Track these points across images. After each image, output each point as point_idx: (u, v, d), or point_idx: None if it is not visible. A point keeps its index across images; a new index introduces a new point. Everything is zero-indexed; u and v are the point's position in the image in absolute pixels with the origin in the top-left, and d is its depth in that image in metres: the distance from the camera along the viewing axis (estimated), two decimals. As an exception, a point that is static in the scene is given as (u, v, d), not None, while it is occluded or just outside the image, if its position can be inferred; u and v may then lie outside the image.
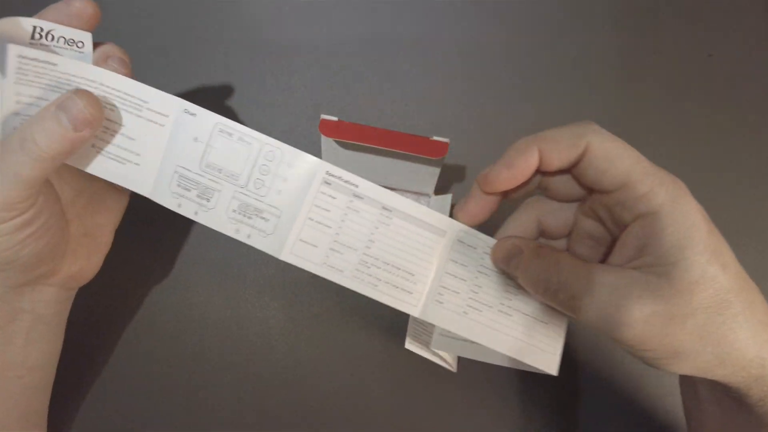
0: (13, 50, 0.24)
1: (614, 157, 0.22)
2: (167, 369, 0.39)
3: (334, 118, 0.32)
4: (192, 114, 0.25)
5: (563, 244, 0.27)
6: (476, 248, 0.26)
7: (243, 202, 0.26)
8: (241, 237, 0.26)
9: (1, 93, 0.25)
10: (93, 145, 0.26)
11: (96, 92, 0.25)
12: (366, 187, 0.26)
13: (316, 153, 0.38)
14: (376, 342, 0.39)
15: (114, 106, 0.26)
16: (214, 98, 0.40)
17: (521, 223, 0.27)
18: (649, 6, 0.43)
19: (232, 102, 0.41)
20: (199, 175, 0.26)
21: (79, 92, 0.24)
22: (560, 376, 0.27)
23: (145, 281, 0.40)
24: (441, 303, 0.26)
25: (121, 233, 0.40)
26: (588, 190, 0.25)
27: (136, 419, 0.38)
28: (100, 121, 0.25)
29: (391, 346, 0.39)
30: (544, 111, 0.41)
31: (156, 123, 0.26)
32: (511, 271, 0.25)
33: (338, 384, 0.39)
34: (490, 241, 0.27)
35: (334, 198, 0.26)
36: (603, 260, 0.25)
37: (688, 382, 0.28)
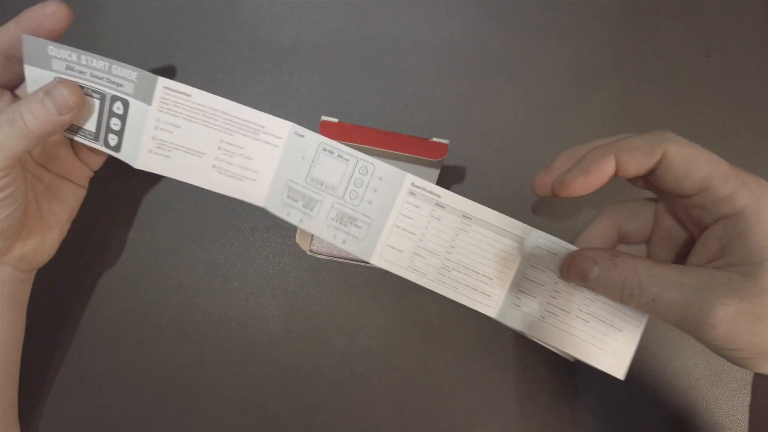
0: (161, 82, 0.28)
1: (693, 162, 0.23)
2: (168, 369, 0.39)
3: (335, 120, 0.32)
4: (301, 135, 0.29)
5: (643, 249, 0.28)
6: (556, 254, 0.28)
7: (340, 212, 0.29)
8: (337, 242, 0.29)
9: (147, 118, 0.28)
10: (213, 166, 0.29)
11: (219, 120, 0.29)
12: (448, 197, 0.28)
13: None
14: (376, 342, 0.39)
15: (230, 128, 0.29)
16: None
17: (601, 231, 0.28)
18: (648, 6, 0.43)
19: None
20: (305, 188, 0.29)
21: (63, 82, 0.27)
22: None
23: (145, 282, 0.40)
24: (518, 306, 0.28)
25: (122, 235, 0.40)
26: (667, 194, 0.25)
27: (136, 419, 0.38)
28: (81, 108, 0.28)
29: (391, 345, 0.39)
30: (544, 111, 0.41)
31: (272, 144, 0.29)
32: (589, 285, 0.25)
33: (338, 384, 0.39)
34: (570, 247, 0.28)
35: (418, 207, 0.28)
36: (682, 261, 0.26)
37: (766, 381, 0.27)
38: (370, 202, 0.29)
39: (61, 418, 0.38)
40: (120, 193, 0.40)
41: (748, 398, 0.38)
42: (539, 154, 0.41)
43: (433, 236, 0.28)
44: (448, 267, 0.29)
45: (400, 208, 0.28)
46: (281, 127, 0.29)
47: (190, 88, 0.28)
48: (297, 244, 0.36)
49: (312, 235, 0.36)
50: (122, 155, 0.29)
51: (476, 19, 0.42)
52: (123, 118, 0.29)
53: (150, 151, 0.29)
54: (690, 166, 0.23)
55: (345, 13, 0.41)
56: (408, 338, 0.39)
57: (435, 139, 0.32)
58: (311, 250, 0.37)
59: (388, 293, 0.40)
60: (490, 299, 0.29)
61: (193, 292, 0.40)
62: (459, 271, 0.29)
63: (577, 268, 0.26)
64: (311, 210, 0.29)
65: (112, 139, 0.30)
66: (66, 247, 0.40)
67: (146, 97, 0.28)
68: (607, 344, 0.28)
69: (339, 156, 0.28)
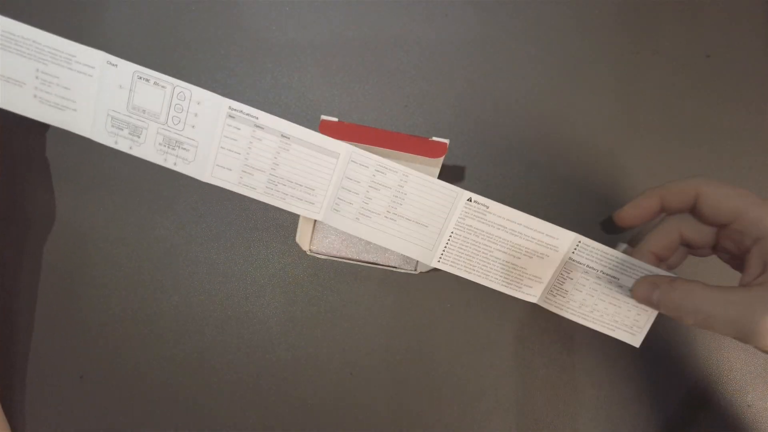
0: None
1: (723, 197, 0.28)
2: (168, 369, 0.39)
3: (334, 119, 0.32)
4: (114, 65, 0.30)
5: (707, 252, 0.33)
6: (368, 167, 0.31)
7: (166, 137, 0.31)
8: (168, 165, 0.32)
9: None
10: (35, 96, 0.31)
11: (31, 50, 0.30)
12: (265, 118, 0.30)
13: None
14: (376, 342, 0.39)
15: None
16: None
17: (663, 235, 0.32)
18: (648, 6, 0.43)
19: (232, 102, 0.41)
20: (128, 116, 0.31)
21: None
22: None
23: (145, 282, 0.40)
24: (338, 211, 0.32)
25: (121, 234, 0.40)
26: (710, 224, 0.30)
27: (136, 419, 0.38)
28: None
29: (391, 345, 0.39)
30: (543, 111, 0.41)
31: (85, 74, 0.30)
32: (653, 305, 0.30)
33: (338, 384, 0.39)
34: (396, 167, 0.32)
35: (239, 129, 0.31)
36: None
37: None
38: (193, 126, 0.31)
39: (61, 418, 0.38)
40: (118, 192, 0.40)
41: (747, 399, 0.38)
42: (539, 153, 0.41)
43: (256, 155, 0.31)
44: (274, 182, 0.32)
45: (221, 130, 0.31)
46: (93, 57, 0.30)
47: (1, 17, 0.30)
48: (297, 244, 0.36)
49: (312, 235, 0.36)
50: None
51: (476, 20, 0.42)
52: None
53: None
54: (721, 201, 0.28)
55: (345, 13, 0.42)
56: (408, 338, 0.39)
57: (435, 138, 0.32)
58: (311, 250, 0.37)
59: (388, 293, 0.40)
60: (314, 206, 0.33)
61: (193, 292, 0.40)
62: (284, 185, 0.32)
63: (641, 290, 0.31)
64: (138, 137, 0.32)
65: None
66: (66, 247, 0.40)
67: None
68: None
69: (155, 83, 0.30)
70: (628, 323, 0.33)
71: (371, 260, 0.38)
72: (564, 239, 0.32)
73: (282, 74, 0.41)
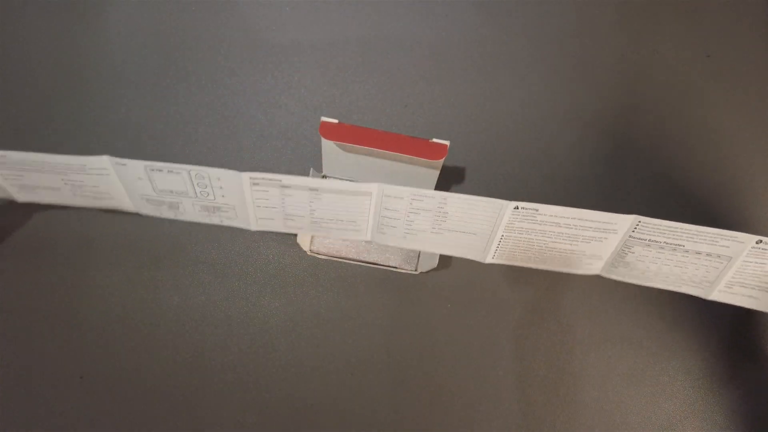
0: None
1: None
2: (167, 369, 0.39)
3: (335, 121, 0.32)
4: (123, 164, 0.31)
5: None
6: (403, 198, 0.32)
7: (203, 206, 0.33)
8: (215, 222, 0.34)
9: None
10: (74, 194, 0.34)
11: (45, 168, 0.33)
12: (288, 179, 0.31)
13: (317, 153, 0.38)
14: (376, 342, 0.39)
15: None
16: (214, 98, 0.40)
17: None
18: (648, 6, 0.43)
19: (233, 102, 0.41)
20: (160, 197, 0.33)
21: None
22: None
23: (145, 282, 0.40)
24: (384, 233, 0.33)
25: (121, 235, 0.40)
26: None
27: (136, 419, 0.38)
28: None
29: (391, 345, 0.39)
30: (544, 112, 0.41)
31: (103, 175, 0.32)
32: None
33: (338, 384, 0.39)
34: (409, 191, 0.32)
35: (267, 191, 0.31)
36: None
37: None
38: (223, 196, 0.32)
39: (61, 418, 0.38)
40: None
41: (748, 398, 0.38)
42: (539, 154, 0.41)
43: (292, 206, 0.32)
44: (317, 221, 0.33)
45: (251, 195, 0.31)
46: (101, 162, 0.32)
47: (2, 151, 0.32)
48: (297, 244, 0.36)
49: (312, 236, 0.36)
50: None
51: (476, 20, 0.42)
52: None
53: (19, 191, 0.35)
54: None
55: (345, 14, 0.41)
56: (408, 338, 0.39)
57: (435, 140, 0.32)
58: (311, 250, 0.37)
59: (388, 293, 0.40)
60: (359, 233, 0.33)
61: (193, 292, 0.40)
62: (327, 222, 0.33)
63: None
64: (177, 209, 0.33)
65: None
66: (66, 247, 0.40)
67: None
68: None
69: (170, 171, 0.31)
70: (696, 280, 0.34)
71: (371, 260, 0.38)
72: (622, 223, 0.32)
73: (282, 74, 0.41)
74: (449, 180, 0.40)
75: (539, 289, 0.39)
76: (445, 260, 0.39)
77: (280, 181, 0.31)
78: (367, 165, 0.35)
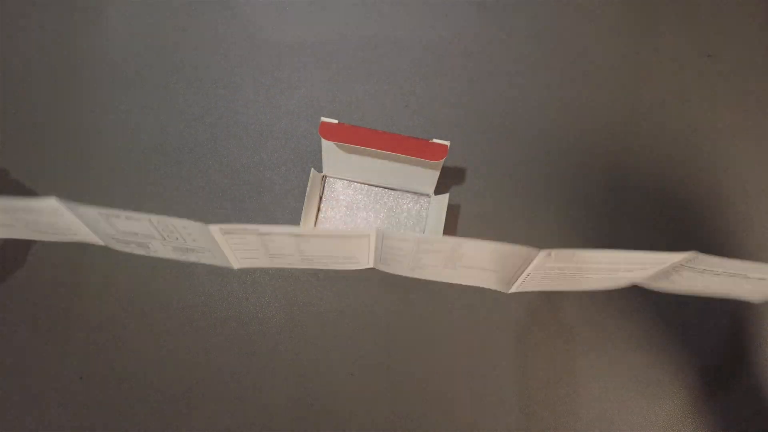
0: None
1: None
2: (167, 369, 0.39)
3: (334, 121, 0.32)
4: (75, 209, 0.27)
5: None
6: (409, 240, 0.27)
7: (175, 246, 0.28)
8: (192, 260, 0.29)
9: None
10: (33, 230, 0.29)
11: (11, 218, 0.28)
12: (264, 228, 0.26)
13: (317, 153, 0.38)
14: (376, 342, 0.39)
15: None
16: (214, 98, 0.40)
17: None
18: (648, 6, 0.43)
19: (233, 102, 0.40)
20: (125, 237, 0.28)
21: None
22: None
23: (145, 282, 0.40)
24: (389, 264, 0.29)
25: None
26: None
27: (136, 419, 0.38)
28: None
29: (391, 345, 0.39)
30: (544, 112, 0.41)
31: (58, 215, 0.28)
32: None
33: (338, 384, 0.39)
34: (413, 235, 0.28)
35: (244, 238, 0.27)
36: None
37: None
38: (194, 240, 0.27)
39: (61, 418, 0.38)
40: (118, 194, 0.40)
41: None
42: (539, 154, 0.41)
43: (276, 248, 0.28)
44: (309, 258, 0.28)
45: (225, 244, 0.27)
46: (49, 204, 0.27)
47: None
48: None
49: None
50: None
51: (476, 20, 0.42)
52: None
53: None
54: None
55: (345, 13, 0.41)
56: (408, 338, 0.39)
57: (435, 141, 0.32)
58: None
59: (388, 293, 0.40)
60: (359, 264, 0.29)
61: (193, 292, 0.40)
62: (320, 259, 0.29)
63: None
64: (149, 248, 0.29)
65: None
66: (67, 248, 0.40)
67: None
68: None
69: (127, 218, 0.27)
70: (744, 292, 0.31)
71: (371, 261, 0.38)
72: (674, 258, 0.27)
73: (282, 74, 0.41)
74: (449, 180, 0.40)
75: (540, 290, 0.39)
76: (445, 260, 0.39)
77: (258, 229, 0.26)
78: (367, 165, 0.35)
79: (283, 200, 0.40)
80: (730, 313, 0.39)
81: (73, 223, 0.28)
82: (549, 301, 0.39)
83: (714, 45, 0.43)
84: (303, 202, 0.38)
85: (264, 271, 0.40)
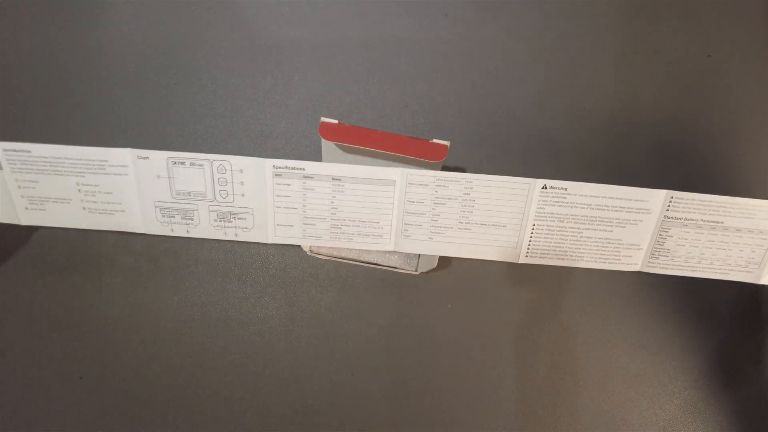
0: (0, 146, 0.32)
1: None
2: (167, 369, 0.39)
3: (335, 121, 0.32)
4: (145, 158, 0.30)
5: None
6: (428, 185, 0.31)
7: (219, 212, 0.31)
8: (229, 237, 0.32)
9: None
10: (83, 208, 0.32)
11: (66, 166, 0.31)
12: (312, 167, 0.30)
13: (317, 155, 0.38)
14: (376, 342, 0.39)
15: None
16: (214, 98, 0.40)
17: None
18: (648, 6, 0.43)
19: (232, 103, 0.40)
20: (175, 202, 0.31)
21: None
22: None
23: (145, 282, 0.40)
24: (408, 236, 0.32)
25: (120, 234, 0.40)
26: None
27: (136, 419, 0.38)
28: None
29: (391, 345, 0.39)
30: (544, 112, 0.41)
31: (121, 174, 0.31)
32: None
33: (338, 384, 0.39)
34: (441, 174, 0.32)
35: (289, 185, 0.30)
36: None
37: None
38: (243, 195, 0.31)
39: (61, 418, 0.38)
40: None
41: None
42: (539, 154, 0.41)
43: (313, 205, 0.31)
44: (338, 225, 0.32)
45: (272, 190, 0.30)
46: (123, 156, 0.30)
47: (28, 144, 0.30)
48: (298, 244, 0.36)
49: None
50: (4, 218, 0.32)
51: (476, 20, 0.42)
52: None
53: (26, 208, 0.32)
54: None
55: (345, 13, 0.41)
56: (408, 338, 0.39)
57: (435, 140, 0.32)
58: (311, 250, 0.37)
59: (388, 293, 0.40)
60: (382, 239, 0.32)
61: (193, 292, 0.40)
62: (348, 226, 0.32)
63: None
64: (192, 219, 0.32)
65: None
66: (67, 248, 0.40)
67: None
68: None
69: (192, 164, 0.30)
70: (741, 263, 0.33)
71: (371, 260, 0.38)
72: (654, 199, 0.31)
73: (282, 74, 0.41)
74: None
75: (540, 289, 0.39)
76: (445, 260, 0.39)
77: (304, 170, 0.30)
78: (368, 165, 0.35)
79: (283, 200, 0.40)
80: (731, 313, 0.39)
81: (128, 190, 0.31)
82: (549, 300, 0.39)
83: (714, 45, 0.43)
84: (303, 202, 0.38)
85: (264, 271, 0.40)
